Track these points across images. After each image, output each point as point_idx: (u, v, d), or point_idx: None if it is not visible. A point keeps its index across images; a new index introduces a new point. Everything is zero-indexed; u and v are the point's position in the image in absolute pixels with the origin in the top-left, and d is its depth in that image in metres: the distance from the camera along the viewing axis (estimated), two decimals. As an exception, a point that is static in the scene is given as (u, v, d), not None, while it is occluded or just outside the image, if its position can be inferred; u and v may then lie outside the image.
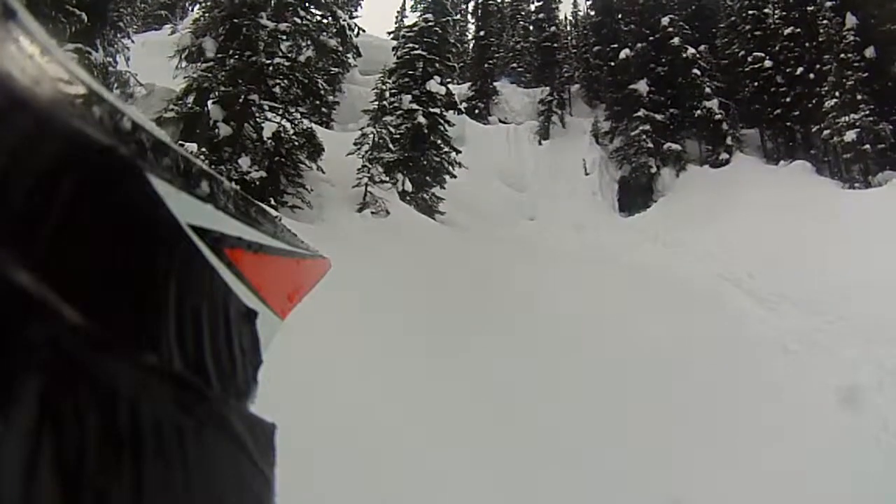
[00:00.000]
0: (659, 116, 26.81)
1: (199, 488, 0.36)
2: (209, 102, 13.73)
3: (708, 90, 27.19)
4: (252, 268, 0.49)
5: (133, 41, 16.27)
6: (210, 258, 0.42)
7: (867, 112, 21.91)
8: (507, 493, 5.36)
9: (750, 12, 28.39)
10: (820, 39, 24.04)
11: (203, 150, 12.36)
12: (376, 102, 17.85)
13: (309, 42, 15.30)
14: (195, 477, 0.35)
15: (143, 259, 0.36)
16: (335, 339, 6.05)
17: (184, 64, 15.03)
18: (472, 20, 40.96)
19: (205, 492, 0.36)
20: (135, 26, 17.74)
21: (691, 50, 27.87)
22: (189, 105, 14.28)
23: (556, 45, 34.29)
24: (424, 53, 19.88)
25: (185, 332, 0.38)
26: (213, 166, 12.55)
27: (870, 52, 22.81)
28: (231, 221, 0.46)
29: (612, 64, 29.57)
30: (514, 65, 36.19)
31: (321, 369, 5.51)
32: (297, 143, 14.48)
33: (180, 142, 12.26)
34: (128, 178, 0.34)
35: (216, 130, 13.38)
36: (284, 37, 14.69)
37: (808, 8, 25.57)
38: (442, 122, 19.50)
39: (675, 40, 27.90)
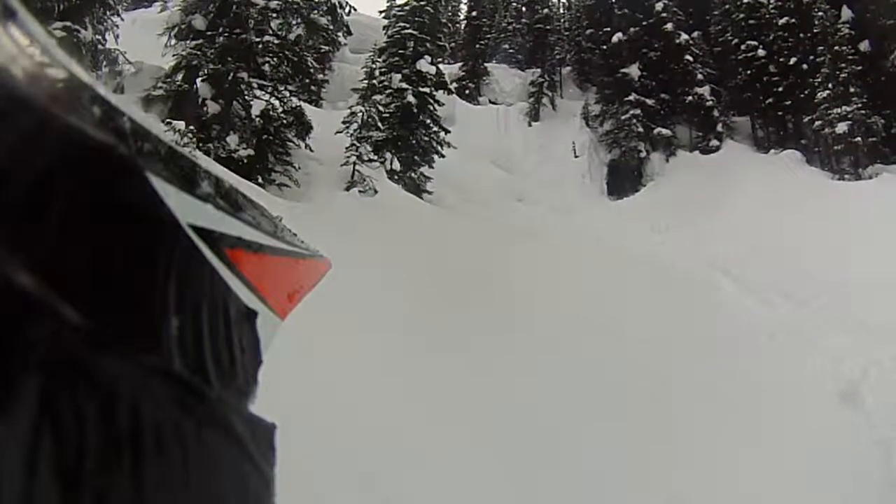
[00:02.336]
0: (650, 101, 26.79)
1: (198, 488, 0.36)
2: (198, 80, 13.67)
3: (700, 76, 27.22)
4: (252, 268, 0.49)
5: (122, 18, 16.04)
6: (210, 258, 0.42)
7: (859, 105, 22.04)
8: (508, 492, 5.38)
9: (744, 1, 28.28)
10: (815, 31, 24.07)
11: (191, 127, 12.29)
12: (366, 81, 17.79)
13: (299, 20, 15.22)
14: (195, 477, 0.35)
15: (143, 259, 0.35)
16: (328, 329, 6.01)
17: (173, 41, 14.93)
18: (465, 0, 40.81)
19: (205, 492, 0.36)
20: (124, 3, 17.48)
21: (684, 36, 27.82)
22: (178, 83, 14.22)
23: (548, 27, 34.20)
24: (415, 33, 19.78)
25: (186, 331, 0.38)
26: (201, 144, 12.50)
27: (864, 45, 22.97)
28: (231, 221, 0.46)
29: (605, 47, 29.52)
30: (506, 46, 36.02)
31: (316, 360, 5.50)
32: (285, 122, 14.46)
33: (168, 119, 12.19)
34: (128, 178, 0.34)
35: (205, 108, 13.33)
36: (275, 14, 14.60)
37: (804, -1, 25.60)
38: (431, 101, 19.48)
39: (669, 26, 27.83)
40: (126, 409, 0.30)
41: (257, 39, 14.07)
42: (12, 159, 0.28)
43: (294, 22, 15.13)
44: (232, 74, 13.64)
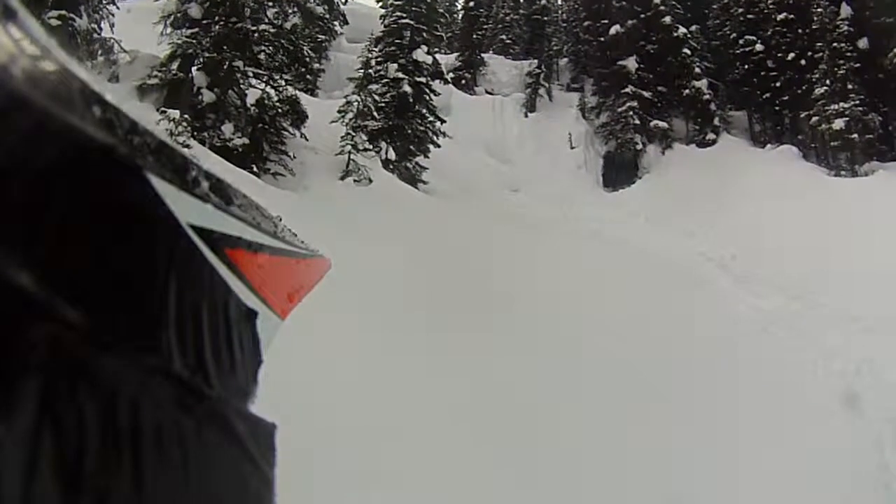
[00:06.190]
0: (647, 94, 26.78)
1: (199, 488, 0.36)
2: (193, 69, 13.60)
3: (697, 70, 27.18)
4: (252, 268, 0.49)
5: (118, 7, 15.91)
6: (210, 258, 0.42)
7: (857, 102, 22.11)
8: (509, 491, 5.37)
9: (744, -5, 28.22)
10: (813, 27, 24.09)
11: (186, 116, 12.21)
12: (362, 70, 17.75)
13: (295, 9, 15.17)
14: (195, 477, 0.36)
15: (143, 259, 0.35)
16: (329, 325, 5.95)
17: (169, 30, 14.81)
18: (462, -10, 40.56)
19: (205, 492, 0.37)
20: (121, -8, 17.31)
21: (682, 29, 27.75)
22: (173, 71, 14.12)
23: (545, 18, 34.07)
24: (412, 22, 19.69)
25: (186, 332, 0.38)
26: (195, 133, 12.44)
27: (863, 42, 23.03)
28: (231, 221, 0.46)
29: (602, 39, 29.42)
30: (503, 36, 35.89)
31: (316, 360, 5.46)
32: (280, 111, 14.39)
33: (163, 108, 12.12)
34: (128, 178, 0.34)
35: (200, 97, 13.27)
36: (271, 3, 14.56)
37: (803, -5, 25.57)
38: (428, 91, 19.44)
39: (667, 19, 27.75)
40: (126, 409, 0.30)
41: (253, 28, 13.99)
42: (12, 159, 0.27)
43: (290, 11, 15.08)
44: (227, 63, 13.58)
